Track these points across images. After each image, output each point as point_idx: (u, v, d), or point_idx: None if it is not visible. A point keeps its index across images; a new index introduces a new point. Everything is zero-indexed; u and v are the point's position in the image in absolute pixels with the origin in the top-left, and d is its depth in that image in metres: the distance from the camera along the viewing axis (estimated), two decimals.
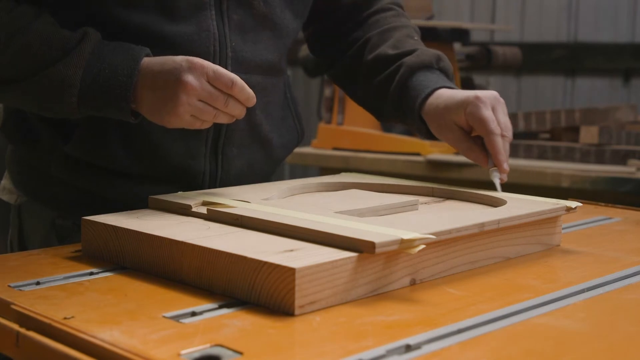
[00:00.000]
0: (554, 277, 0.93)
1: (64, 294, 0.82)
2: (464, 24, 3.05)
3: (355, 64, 1.31)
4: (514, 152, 2.50)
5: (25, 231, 1.23)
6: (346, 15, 1.34)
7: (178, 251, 0.86)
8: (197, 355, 0.65)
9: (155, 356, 0.65)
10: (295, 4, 1.24)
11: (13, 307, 0.77)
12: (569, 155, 2.40)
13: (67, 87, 1.02)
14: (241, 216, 0.95)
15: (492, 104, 1.13)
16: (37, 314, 0.74)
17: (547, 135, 2.71)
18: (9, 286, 0.84)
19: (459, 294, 0.84)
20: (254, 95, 1.02)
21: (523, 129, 2.57)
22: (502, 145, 1.11)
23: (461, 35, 2.72)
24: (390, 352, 0.66)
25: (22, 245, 1.23)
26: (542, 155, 2.45)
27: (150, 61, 1.03)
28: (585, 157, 2.38)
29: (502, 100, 1.15)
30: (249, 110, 1.18)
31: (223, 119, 1.03)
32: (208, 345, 0.67)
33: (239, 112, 1.03)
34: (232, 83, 1.00)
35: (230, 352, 0.66)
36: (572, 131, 2.52)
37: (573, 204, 1.06)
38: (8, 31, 1.03)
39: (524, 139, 2.62)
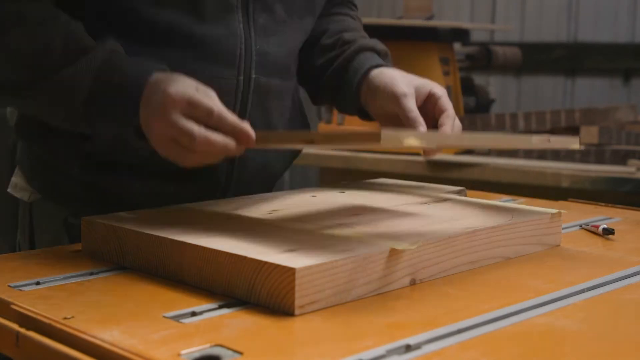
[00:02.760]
0: (554, 277, 0.93)
1: (64, 294, 0.82)
2: (464, 24, 3.05)
3: (309, 48, 1.31)
4: (513, 152, 2.50)
5: (35, 229, 1.22)
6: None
7: (178, 251, 0.86)
8: (197, 355, 0.65)
9: (155, 356, 0.64)
10: (317, 8, 1.26)
11: (13, 307, 0.77)
12: (569, 155, 2.40)
13: (76, 93, 0.99)
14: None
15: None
16: (37, 314, 0.74)
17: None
18: (9, 286, 0.84)
19: (459, 294, 0.84)
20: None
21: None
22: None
23: (461, 35, 2.72)
24: (390, 352, 0.66)
25: (32, 243, 1.22)
26: (542, 155, 2.45)
27: (157, 78, 0.99)
28: (585, 157, 2.38)
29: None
30: (267, 114, 1.18)
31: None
32: (208, 345, 0.67)
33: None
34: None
35: (230, 352, 0.66)
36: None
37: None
38: (31, 24, 1.00)
39: None
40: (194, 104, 0.93)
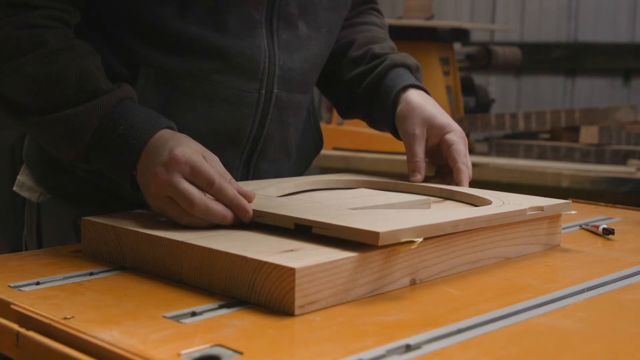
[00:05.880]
0: (554, 277, 0.93)
1: (64, 294, 0.82)
2: (464, 24, 3.05)
3: (337, 59, 1.32)
4: (514, 152, 2.50)
5: (43, 229, 1.22)
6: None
7: (178, 251, 0.86)
8: (197, 355, 0.65)
9: (155, 356, 0.64)
10: (340, 22, 1.27)
11: (13, 307, 0.77)
12: (569, 155, 2.41)
13: (80, 133, 0.99)
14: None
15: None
16: (37, 314, 0.74)
17: (547, 135, 2.71)
18: (9, 286, 0.84)
19: (459, 294, 0.84)
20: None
21: (523, 129, 2.57)
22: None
23: (461, 35, 2.72)
24: (390, 352, 0.66)
25: (39, 243, 1.22)
26: (542, 155, 2.45)
27: (164, 135, 0.98)
28: (585, 157, 2.38)
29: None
30: (284, 127, 1.19)
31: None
32: (208, 345, 0.67)
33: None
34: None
35: (230, 352, 0.66)
36: (572, 131, 2.52)
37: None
38: (54, 49, 1.01)
39: (524, 139, 2.62)
40: (197, 171, 0.93)
